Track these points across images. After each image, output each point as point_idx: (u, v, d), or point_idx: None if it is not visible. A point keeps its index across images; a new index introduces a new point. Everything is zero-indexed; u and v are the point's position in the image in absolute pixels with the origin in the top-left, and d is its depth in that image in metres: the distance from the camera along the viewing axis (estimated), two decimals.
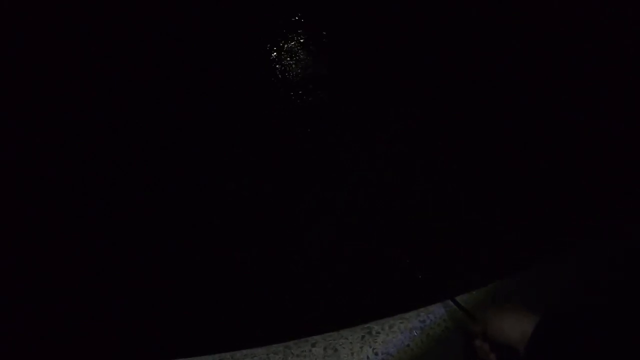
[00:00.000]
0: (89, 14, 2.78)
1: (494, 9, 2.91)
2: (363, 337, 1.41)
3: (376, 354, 1.39)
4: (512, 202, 2.23)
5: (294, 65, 2.82)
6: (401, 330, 1.42)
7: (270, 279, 1.93)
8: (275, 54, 2.85)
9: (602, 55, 2.65)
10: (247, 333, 1.66)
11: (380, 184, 2.36)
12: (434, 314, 1.44)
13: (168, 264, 2.01)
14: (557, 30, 2.79)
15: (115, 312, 1.87)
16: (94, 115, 2.51)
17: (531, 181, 2.30)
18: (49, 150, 2.39)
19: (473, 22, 2.87)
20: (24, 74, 2.60)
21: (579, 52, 2.70)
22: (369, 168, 2.41)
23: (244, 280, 1.93)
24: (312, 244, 2.07)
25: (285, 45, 2.90)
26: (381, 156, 2.45)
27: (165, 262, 2.01)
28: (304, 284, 1.90)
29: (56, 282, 1.98)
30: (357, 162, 2.43)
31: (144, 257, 2.04)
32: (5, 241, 2.07)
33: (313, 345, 1.40)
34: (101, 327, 1.81)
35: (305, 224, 2.19)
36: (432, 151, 2.46)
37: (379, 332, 1.41)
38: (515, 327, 0.81)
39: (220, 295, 1.88)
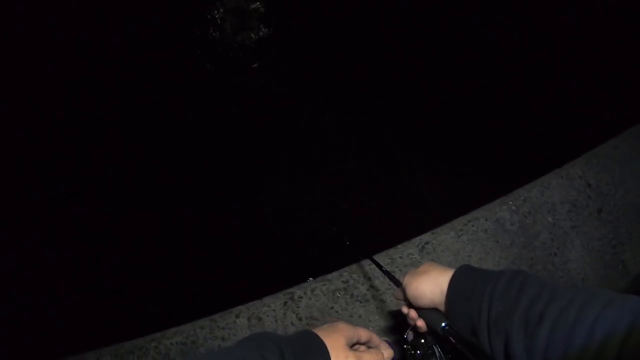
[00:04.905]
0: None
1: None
2: (285, 303, 1.37)
3: (300, 319, 1.36)
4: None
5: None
6: (324, 292, 1.37)
7: (192, 253, 1.91)
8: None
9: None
10: (173, 310, 1.66)
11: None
12: (357, 273, 1.38)
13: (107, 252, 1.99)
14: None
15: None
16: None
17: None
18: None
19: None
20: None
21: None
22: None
23: (168, 259, 1.90)
24: (237, 217, 2.02)
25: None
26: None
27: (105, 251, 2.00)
28: (224, 254, 1.87)
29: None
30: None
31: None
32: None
33: (237, 316, 1.38)
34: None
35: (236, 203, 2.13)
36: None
37: (301, 297, 1.37)
38: (433, 289, 0.72)
39: (146, 274, 1.86)
